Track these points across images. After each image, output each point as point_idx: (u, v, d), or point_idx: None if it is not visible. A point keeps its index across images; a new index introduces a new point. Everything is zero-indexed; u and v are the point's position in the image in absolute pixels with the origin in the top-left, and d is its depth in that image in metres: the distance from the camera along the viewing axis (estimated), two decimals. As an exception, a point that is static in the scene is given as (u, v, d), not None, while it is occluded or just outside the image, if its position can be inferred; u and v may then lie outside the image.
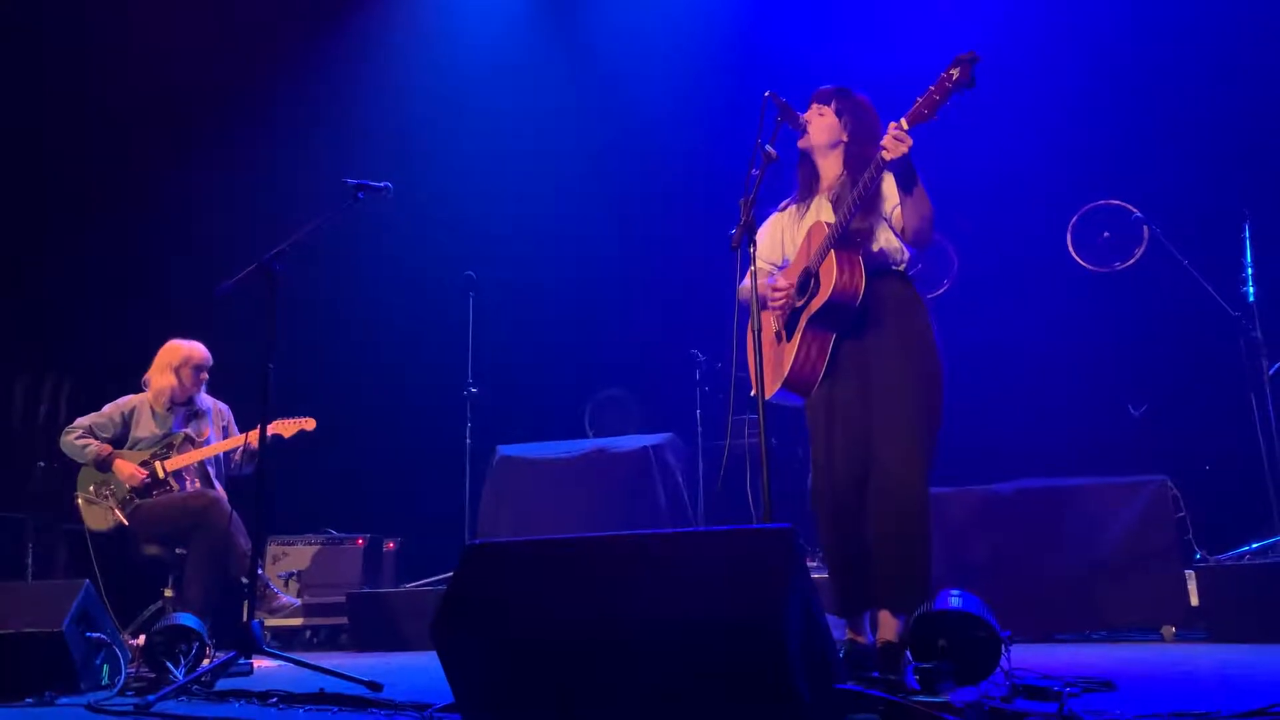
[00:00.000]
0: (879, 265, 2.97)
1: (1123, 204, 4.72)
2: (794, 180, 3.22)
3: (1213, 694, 2.44)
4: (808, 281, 2.99)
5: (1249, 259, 4.59)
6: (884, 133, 2.84)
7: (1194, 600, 3.93)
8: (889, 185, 2.93)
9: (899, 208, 2.93)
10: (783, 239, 3.20)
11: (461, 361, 5.44)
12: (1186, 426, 5.11)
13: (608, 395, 6.36)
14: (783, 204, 3.26)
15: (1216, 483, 4.77)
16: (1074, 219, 4.82)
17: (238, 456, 4.81)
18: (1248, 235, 4.61)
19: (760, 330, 2.80)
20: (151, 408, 4.79)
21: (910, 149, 2.75)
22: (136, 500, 4.58)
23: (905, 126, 2.74)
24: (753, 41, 6.29)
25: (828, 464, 2.97)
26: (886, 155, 2.76)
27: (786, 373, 2.99)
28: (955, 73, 2.70)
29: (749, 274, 3.17)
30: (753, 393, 3.01)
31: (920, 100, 2.75)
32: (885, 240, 3.00)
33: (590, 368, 6.41)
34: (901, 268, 3.03)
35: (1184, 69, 5.40)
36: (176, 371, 4.78)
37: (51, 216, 6.49)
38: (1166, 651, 3.60)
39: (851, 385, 2.95)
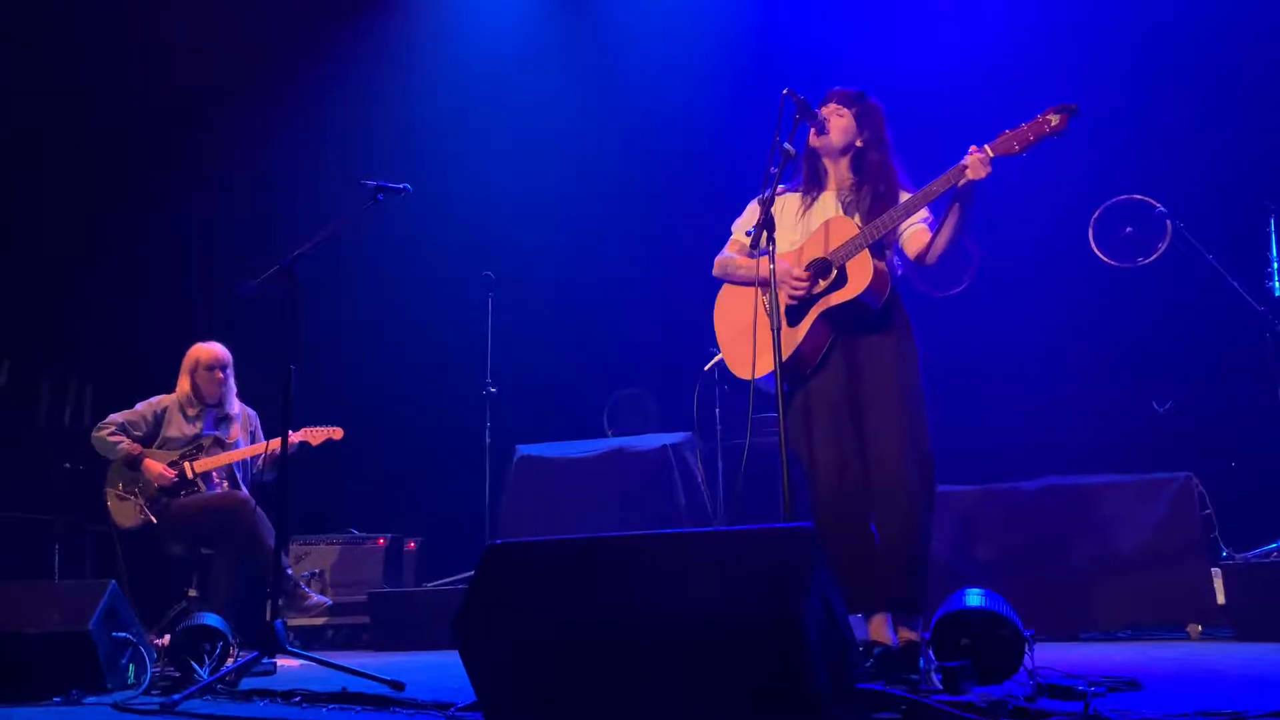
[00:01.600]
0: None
1: (1146, 199, 4.67)
2: (798, 172, 3.22)
3: (1240, 693, 2.42)
4: (826, 272, 3.00)
5: (1274, 253, 4.54)
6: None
7: (1220, 598, 3.90)
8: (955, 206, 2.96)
9: (915, 228, 3.00)
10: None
11: (481, 361, 5.46)
12: (1212, 423, 5.06)
13: (627, 394, 6.36)
14: (778, 188, 3.26)
15: (1243, 479, 4.72)
16: (1096, 214, 4.77)
17: (260, 463, 4.85)
18: (1273, 229, 4.56)
19: (777, 314, 2.78)
20: (182, 408, 4.84)
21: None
22: (165, 499, 4.63)
23: (991, 155, 2.74)
24: (771, 39, 6.27)
25: (825, 459, 2.99)
26: (969, 175, 2.76)
27: (788, 355, 2.99)
28: (1055, 120, 2.71)
29: (728, 245, 3.25)
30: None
31: (1012, 134, 2.75)
32: (890, 253, 3.08)
33: (609, 366, 6.41)
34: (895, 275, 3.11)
35: (1208, 61, 5.34)
36: (192, 374, 4.84)
37: (75, 219, 6.55)
38: (1193, 650, 3.57)
39: (844, 383, 2.99)
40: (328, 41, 6.76)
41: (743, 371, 3.09)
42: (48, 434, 6.31)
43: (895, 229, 3.02)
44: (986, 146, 2.75)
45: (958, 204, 2.86)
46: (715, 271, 3.30)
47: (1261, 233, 4.59)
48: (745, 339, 3.00)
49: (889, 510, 2.88)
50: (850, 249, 2.97)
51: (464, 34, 6.93)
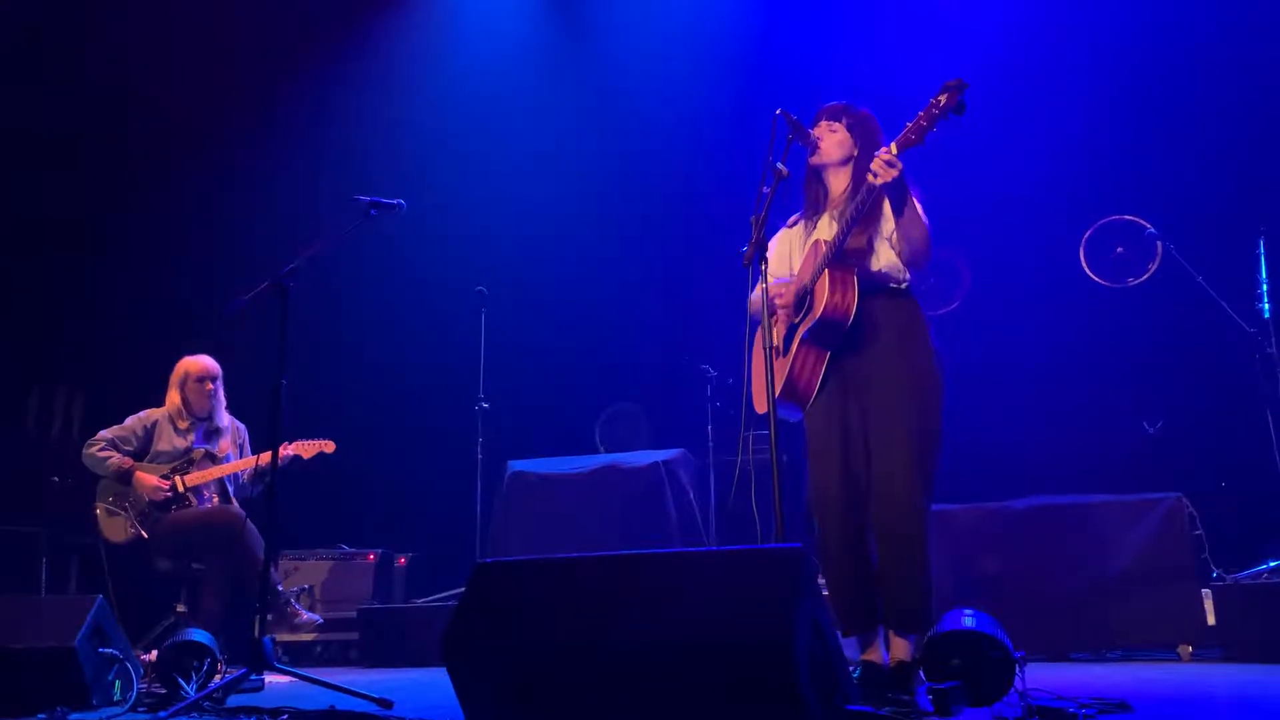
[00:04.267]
0: (879, 283, 2.98)
1: (1136, 219, 4.70)
2: (802, 196, 3.23)
3: (1230, 715, 2.42)
4: (804, 298, 3.01)
5: (1264, 275, 4.57)
6: (881, 142, 2.91)
7: (1210, 619, 3.90)
8: (890, 207, 2.94)
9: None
10: (790, 254, 3.23)
11: (473, 376, 5.45)
12: (1202, 443, 5.08)
13: (619, 410, 6.36)
14: (791, 219, 3.28)
15: (1233, 500, 4.73)
16: (1087, 234, 4.80)
17: (246, 477, 4.83)
18: (1262, 251, 4.59)
19: (769, 343, 2.79)
20: (172, 422, 4.82)
21: (902, 172, 2.76)
22: (156, 514, 4.60)
23: (895, 151, 2.75)
24: (764, 55, 6.30)
25: (827, 480, 2.97)
26: (875, 181, 2.77)
27: (782, 384, 3.00)
28: (943, 99, 2.71)
29: (759, 286, 3.19)
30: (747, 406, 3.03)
31: (909, 126, 2.76)
32: (886, 259, 3.01)
33: (601, 382, 6.42)
34: (904, 286, 3.03)
35: (1199, 83, 5.38)
36: (181, 387, 4.83)
37: (65, 230, 6.53)
38: (1183, 671, 3.57)
39: (851, 400, 2.97)
40: (323, 57, 6.78)
41: (761, 406, 3.09)
42: (36, 446, 6.27)
43: (883, 236, 2.99)
44: (891, 145, 2.77)
45: (887, 200, 2.88)
46: (749, 313, 3.30)
47: (1251, 254, 4.62)
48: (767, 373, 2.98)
49: (893, 528, 2.86)
50: (816, 271, 2.98)
51: (459, 50, 6.95)
